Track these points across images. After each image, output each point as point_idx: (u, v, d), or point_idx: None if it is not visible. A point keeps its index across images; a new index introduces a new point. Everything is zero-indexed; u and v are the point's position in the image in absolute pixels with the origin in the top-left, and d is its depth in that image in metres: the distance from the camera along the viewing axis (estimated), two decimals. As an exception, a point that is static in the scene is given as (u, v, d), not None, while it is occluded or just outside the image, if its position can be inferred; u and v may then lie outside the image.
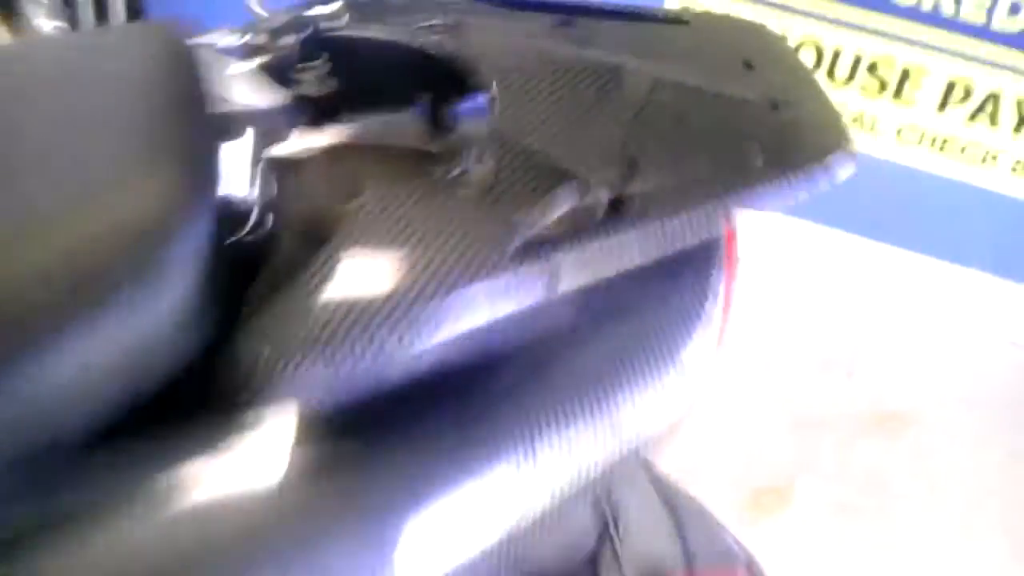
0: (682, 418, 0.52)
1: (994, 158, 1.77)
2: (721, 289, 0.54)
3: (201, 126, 0.45)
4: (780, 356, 1.74)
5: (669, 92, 0.52)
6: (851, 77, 1.79)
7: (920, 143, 1.80)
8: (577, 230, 0.44)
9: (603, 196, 0.44)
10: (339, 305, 0.41)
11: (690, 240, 0.45)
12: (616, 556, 0.59)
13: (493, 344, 0.45)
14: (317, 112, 0.51)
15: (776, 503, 1.53)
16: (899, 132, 1.80)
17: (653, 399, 0.50)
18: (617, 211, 0.44)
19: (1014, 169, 1.77)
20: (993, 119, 1.75)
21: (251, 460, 0.41)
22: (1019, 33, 1.64)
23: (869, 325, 1.87)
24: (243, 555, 0.41)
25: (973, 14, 1.65)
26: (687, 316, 0.52)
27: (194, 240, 0.41)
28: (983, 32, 1.66)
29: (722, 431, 1.52)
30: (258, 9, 0.57)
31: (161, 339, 0.40)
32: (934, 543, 1.49)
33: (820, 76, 1.79)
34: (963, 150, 1.78)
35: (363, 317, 0.40)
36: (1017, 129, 1.74)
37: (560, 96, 0.50)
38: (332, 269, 0.42)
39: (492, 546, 0.46)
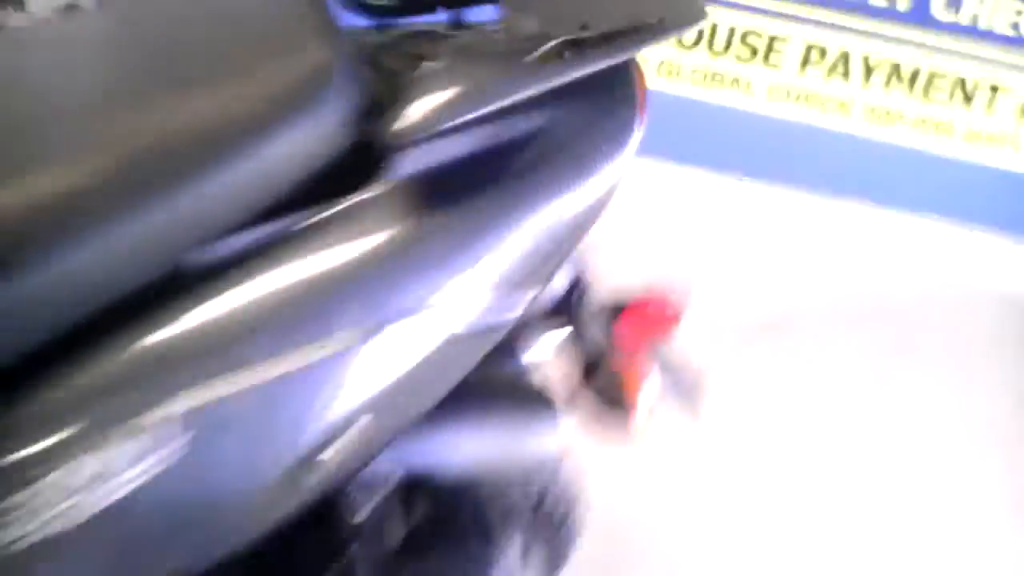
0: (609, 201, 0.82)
1: (848, 106, 2.12)
2: (637, 121, 0.84)
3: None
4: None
5: None
6: (727, 47, 2.13)
7: (787, 99, 2.15)
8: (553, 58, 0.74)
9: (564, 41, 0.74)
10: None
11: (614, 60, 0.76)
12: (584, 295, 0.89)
13: (501, 137, 0.74)
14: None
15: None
16: (769, 90, 2.15)
17: (595, 187, 0.80)
18: (577, 46, 0.73)
19: (865, 114, 2.13)
20: (846, 74, 2.10)
21: (382, 209, 0.69)
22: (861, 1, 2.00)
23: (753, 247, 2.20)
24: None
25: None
26: (618, 136, 0.82)
27: (347, 75, 0.70)
28: (832, 2, 2.02)
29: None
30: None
31: (332, 132, 0.69)
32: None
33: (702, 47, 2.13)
34: (823, 103, 2.14)
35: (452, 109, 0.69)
36: (866, 80, 2.09)
37: None
38: (428, 84, 0.71)
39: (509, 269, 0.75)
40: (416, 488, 0.94)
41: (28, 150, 0.63)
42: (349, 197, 0.70)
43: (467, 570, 0.95)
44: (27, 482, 0.64)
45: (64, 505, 0.65)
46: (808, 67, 2.10)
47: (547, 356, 1.06)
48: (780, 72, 2.13)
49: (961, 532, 1.68)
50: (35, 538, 0.65)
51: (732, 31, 2.10)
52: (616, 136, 0.81)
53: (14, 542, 0.63)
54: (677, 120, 2.13)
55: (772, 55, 2.11)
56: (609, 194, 0.80)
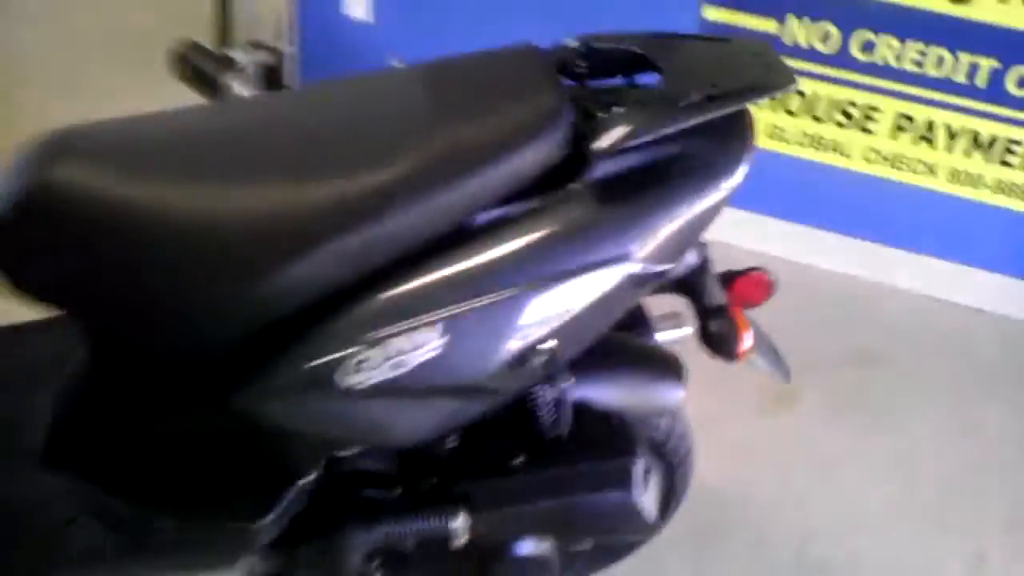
0: (724, 206, 1.21)
1: (934, 168, 2.47)
2: (748, 150, 1.24)
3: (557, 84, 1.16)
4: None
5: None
6: (829, 115, 2.51)
7: (880, 161, 2.51)
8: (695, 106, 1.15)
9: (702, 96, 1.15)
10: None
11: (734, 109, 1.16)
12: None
13: (660, 156, 1.16)
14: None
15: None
16: (864, 153, 2.51)
17: (716, 194, 1.20)
18: (710, 99, 1.14)
19: (949, 176, 2.47)
20: (931, 141, 2.45)
21: (584, 196, 1.11)
22: (946, 78, 2.36)
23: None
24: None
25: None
26: (734, 160, 1.22)
27: (567, 114, 1.12)
28: (920, 79, 2.38)
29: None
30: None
31: (557, 147, 1.11)
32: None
33: (806, 114, 2.51)
34: (912, 165, 2.49)
35: (629, 137, 1.11)
36: (949, 146, 2.44)
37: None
38: (615, 120, 1.12)
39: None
40: (576, 407, 1.34)
41: (382, 146, 1.08)
42: (564, 188, 1.12)
43: (603, 470, 1.33)
44: (368, 346, 1.07)
45: (384, 366, 1.08)
46: (899, 134, 2.46)
47: (679, 331, 1.47)
48: (874, 137, 2.49)
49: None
50: (368, 383, 1.08)
51: (833, 101, 2.48)
52: (733, 160, 1.21)
53: (361, 383, 1.06)
54: (784, 177, 2.52)
55: (868, 123, 2.47)
56: (724, 201, 1.20)
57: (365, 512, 1.30)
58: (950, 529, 1.96)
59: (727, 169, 1.20)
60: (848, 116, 2.45)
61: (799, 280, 2.40)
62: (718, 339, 1.31)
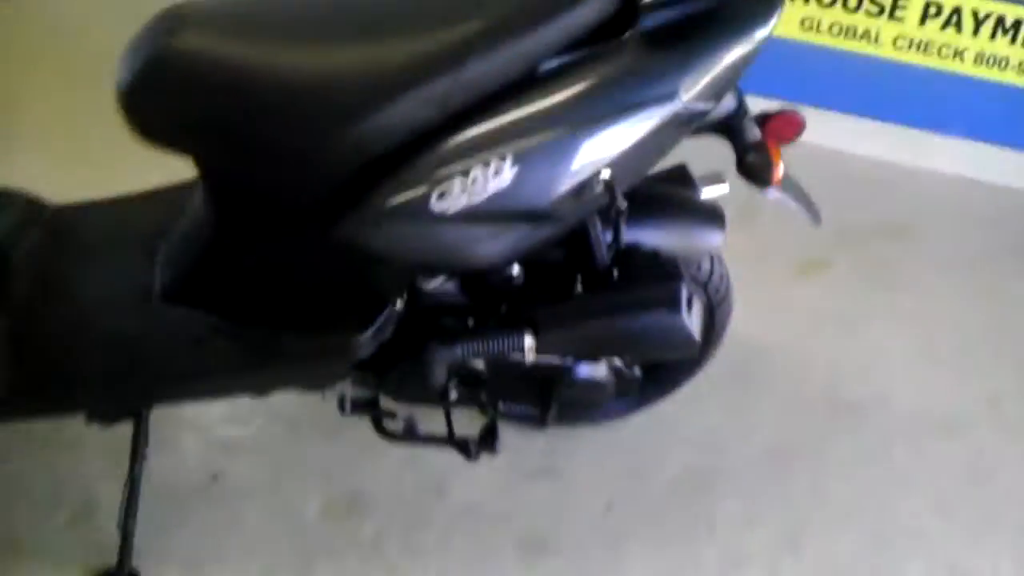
0: (758, 52, 1.40)
1: (961, 53, 2.61)
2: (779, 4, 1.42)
3: None
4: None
5: None
6: (858, 5, 2.64)
7: (909, 48, 2.64)
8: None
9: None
10: None
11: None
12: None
13: (699, 9, 1.35)
14: None
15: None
16: (893, 41, 2.64)
17: (751, 41, 1.39)
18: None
19: (974, 60, 2.60)
20: (958, 26, 2.58)
21: (636, 44, 1.31)
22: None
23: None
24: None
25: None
26: (767, 11, 1.40)
27: None
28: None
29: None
30: None
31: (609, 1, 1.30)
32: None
33: (838, 5, 2.64)
34: (939, 50, 2.62)
35: None
36: (975, 31, 2.57)
37: None
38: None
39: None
40: (628, 247, 1.54)
41: (460, 4, 1.27)
42: (618, 38, 1.31)
43: (652, 293, 1.53)
44: (451, 177, 1.28)
45: (465, 195, 1.29)
46: (927, 21, 2.59)
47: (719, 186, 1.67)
48: (903, 25, 2.63)
49: None
50: (453, 211, 1.29)
51: (863, -8, 2.61)
52: (765, 11, 1.39)
53: (447, 210, 1.28)
54: (817, 67, 2.67)
55: (897, 11, 2.61)
56: (757, 49, 1.38)
57: (445, 336, 1.53)
58: (968, 375, 2.15)
59: (760, 20, 1.38)
60: (878, 6, 2.58)
61: (831, 163, 2.58)
62: (756, 169, 1.51)
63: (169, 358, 1.49)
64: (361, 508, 1.84)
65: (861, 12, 2.61)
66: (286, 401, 1.88)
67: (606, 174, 1.37)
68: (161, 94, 1.27)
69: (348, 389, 1.65)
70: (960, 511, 1.88)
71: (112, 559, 1.68)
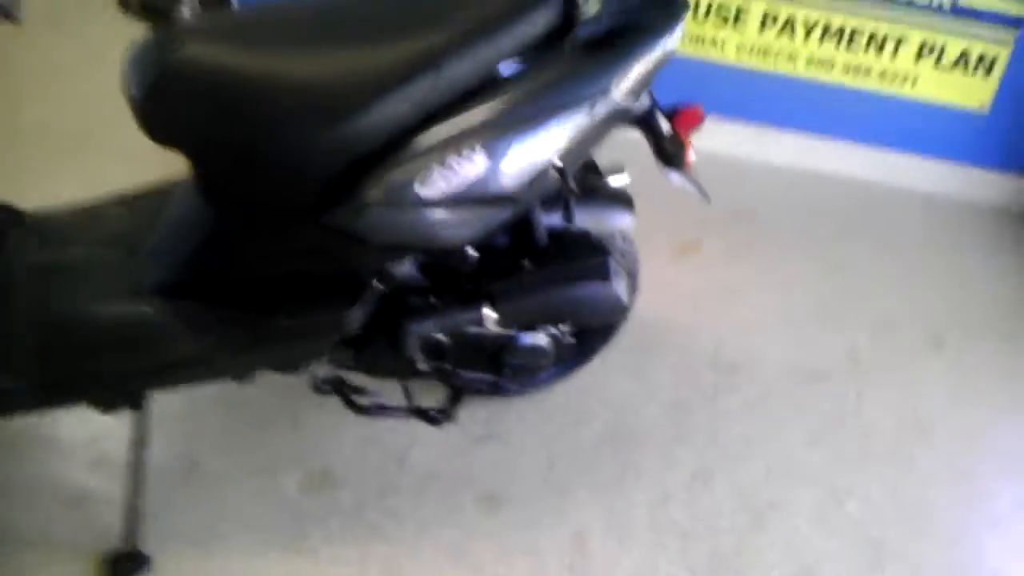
0: (668, 59, 1.66)
1: (794, 58, 2.98)
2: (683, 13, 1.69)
3: None
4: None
5: None
6: (707, 16, 2.98)
7: (749, 54, 3.00)
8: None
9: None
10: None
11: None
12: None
13: (622, 23, 1.60)
14: None
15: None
16: (736, 48, 3.00)
17: (663, 48, 1.65)
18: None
19: (806, 64, 2.98)
20: (792, 33, 2.96)
21: (573, 51, 1.54)
22: (797, -21, 2.85)
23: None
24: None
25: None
26: (673, 22, 1.67)
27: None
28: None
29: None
30: None
31: (555, 14, 1.53)
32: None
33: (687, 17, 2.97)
34: (775, 55, 2.99)
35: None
36: (805, 38, 2.95)
37: None
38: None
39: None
40: (560, 229, 1.78)
41: (432, 15, 1.48)
42: (558, 44, 1.55)
43: (589, 265, 1.78)
44: (430, 167, 1.48)
45: (442, 182, 1.50)
46: (764, 29, 2.95)
47: (621, 175, 1.92)
48: (745, 33, 2.98)
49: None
50: (432, 196, 1.49)
51: (709, 5, 2.95)
52: (672, 24, 1.66)
53: (427, 196, 1.48)
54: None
55: (738, 21, 2.96)
56: (668, 56, 1.65)
57: (415, 313, 1.72)
58: (827, 332, 2.50)
59: (669, 31, 1.65)
60: (722, 18, 2.93)
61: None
62: (672, 154, 1.78)
63: (166, 347, 1.61)
64: (334, 482, 2.00)
65: (708, 23, 2.95)
66: (244, 392, 2.01)
67: (558, 161, 1.60)
68: (171, 102, 1.42)
69: (320, 371, 1.81)
70: (834, 445, 2.21)
71: (113, 544, 1.79)
